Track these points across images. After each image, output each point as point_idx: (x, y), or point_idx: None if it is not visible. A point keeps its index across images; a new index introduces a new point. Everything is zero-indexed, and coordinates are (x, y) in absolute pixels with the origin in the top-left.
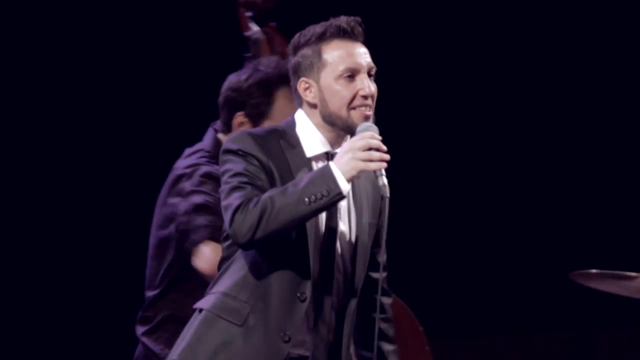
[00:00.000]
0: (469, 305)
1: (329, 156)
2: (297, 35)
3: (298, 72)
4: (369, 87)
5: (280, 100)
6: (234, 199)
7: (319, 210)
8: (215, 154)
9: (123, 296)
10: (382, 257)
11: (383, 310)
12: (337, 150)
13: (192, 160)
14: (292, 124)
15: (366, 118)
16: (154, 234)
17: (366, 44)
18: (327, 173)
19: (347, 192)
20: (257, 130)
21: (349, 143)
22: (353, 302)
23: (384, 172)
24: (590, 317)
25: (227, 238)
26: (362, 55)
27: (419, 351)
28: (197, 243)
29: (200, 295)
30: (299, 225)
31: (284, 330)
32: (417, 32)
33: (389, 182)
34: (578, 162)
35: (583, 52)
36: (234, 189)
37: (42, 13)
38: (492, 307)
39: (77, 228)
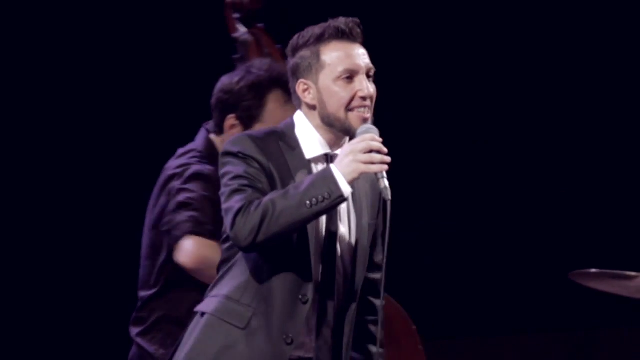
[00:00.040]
0: (469, 305)
1: (328, 158)
2: (295, 37)
3: (297, 73)
4: (368, 88)
5: (272, 103)
6: (235, 202)
7: (321, 213)
8: (207, 154)
9: (117, 297)
10: (378, 257)
11: (375, 312)
12: (337, 152)
13: (183, 160)
14: (291, 126)
15: (364, 121)
16: (147, 234)
17: (365, 45)
18: (328, 176)
19: (349, 195)
20: (256, 132)
21: (350, 145)
22: (353, 303)
23: (385, 174)
24: (590, 317)
25: (226, 240)
26: (361, 56)
27: (412, 351)
28: (178, 239)
29: (196, 296)
30: (300, 228)
31: (286, 332)
32: (416, 33)
33: (389, 183)
34: (578, 162)
35: (583, 52)
36: (235, 191)
37: (31, 16)
38: (492, 307)
39: (70, 229)
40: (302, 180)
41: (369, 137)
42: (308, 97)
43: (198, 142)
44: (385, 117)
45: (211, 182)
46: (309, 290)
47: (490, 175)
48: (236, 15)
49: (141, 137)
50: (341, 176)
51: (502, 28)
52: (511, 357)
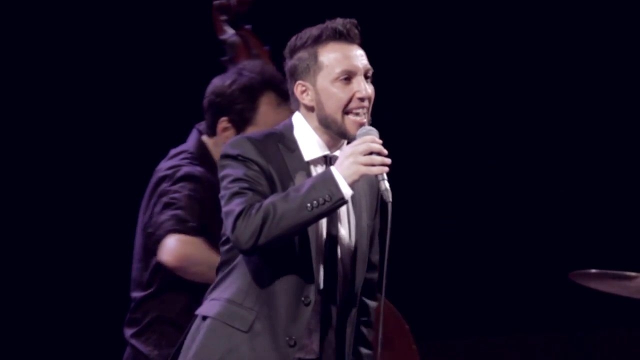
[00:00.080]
0: (469, 305)
1: (327, 159)
2: (293, 38)
3: (295, 75)
4: (366, 89)
5: (264, 105)
6: (236, 205)
7: (322, 216)
8: (198, 155)
9: (112, 298)
10: (374, 257)
11: (367, 313)
12: (335, 153)
13: (174, 161)
14: (290, 127)
15: (360, 126)
16: (139, 236)
17: (363, 45)
18: (329, 178)
19: (349, 197)
20: (255, 134)
21: (350, 147)
22: (354, 304)
23: (385, 176)
24: (590, 317)
25: (226, 242)
26: (359, 57)
27: (406, 350)
28: (161, 238)
29: (189, 296)
30: (301, 230)
31: (289, 334)
32: (415, 33)
33: (389, 183)
34: (578, 162)
35: (583, 52)
36: (235, 194)
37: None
38: (492, 307)
39: (63, 231)
40: (302, 183)
41: (369, 138)
42: (306, 99)
43: (190, 143)
44: (385, 117)
45: (201, 183)
46: (311, 292)
47: (490, 175)
48: (223, 18)
49: (132, 139)
50: (342, 178)
51: (501, 28)
52: (511, 357)
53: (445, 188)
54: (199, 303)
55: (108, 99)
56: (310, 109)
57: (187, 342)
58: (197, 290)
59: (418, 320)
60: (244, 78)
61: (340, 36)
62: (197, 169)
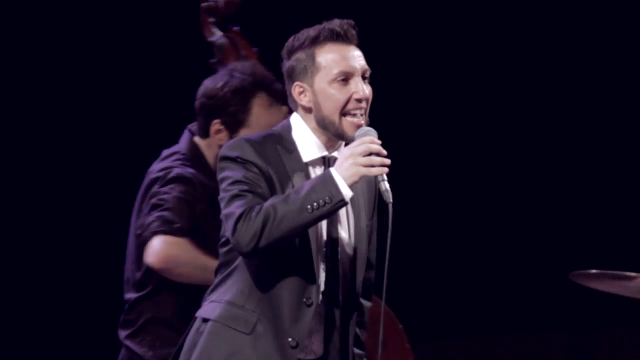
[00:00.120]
0: (469, 305)
1: (325, 160)
2: (291, 39)
3: (292, 76)
4: (363, 90)
5: (257, 107)
6: (236, 208)
7: (322, 217)
8: (191, 157)
9: (106, 300)
10: (371, 255)
11: (361, 313)
12: (334, 154)
13: (166, 163)
14: (288, 128)
15: (357, 127)
16: (132, 238)
17: (360, 46)
18: (328, 179)
19: (349, 198)
20: (253, 135)
21: (349, 148)
22: (355, 305)
23: (385, 177)
24: (590, 317)
25: (225, 244)
26: (356, 58)
27: (399, 350)
28: (147, 239)
29: (183, 297)
30: (301, 232)
31: (291, 336)
32: (414, 33)
33: (389, 183)
34: (578, 162)
35: (583, 52)
36: (235, 197)
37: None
38: (492, 307)
39: (57, 232)
40: (302, 185)
41: (368, 139)
42: (304, 100)
43: (182, 145)
44: (384, 117)
45: (192, 184)
46: (313, 293)
47: (490, 175)
48: (211, 19)
49: (123, 140)
50: (341, 180)
51: (501, 28)
52: (511, 357)
53: (445, 188)
54: (193, 304)
55: (99, 101)
56: (308, 110)
57: (187, 344)
58: (191, 291)
59: (418, 320)
60: (235, 79)
61: (337, 37)
62: (188, 171)
